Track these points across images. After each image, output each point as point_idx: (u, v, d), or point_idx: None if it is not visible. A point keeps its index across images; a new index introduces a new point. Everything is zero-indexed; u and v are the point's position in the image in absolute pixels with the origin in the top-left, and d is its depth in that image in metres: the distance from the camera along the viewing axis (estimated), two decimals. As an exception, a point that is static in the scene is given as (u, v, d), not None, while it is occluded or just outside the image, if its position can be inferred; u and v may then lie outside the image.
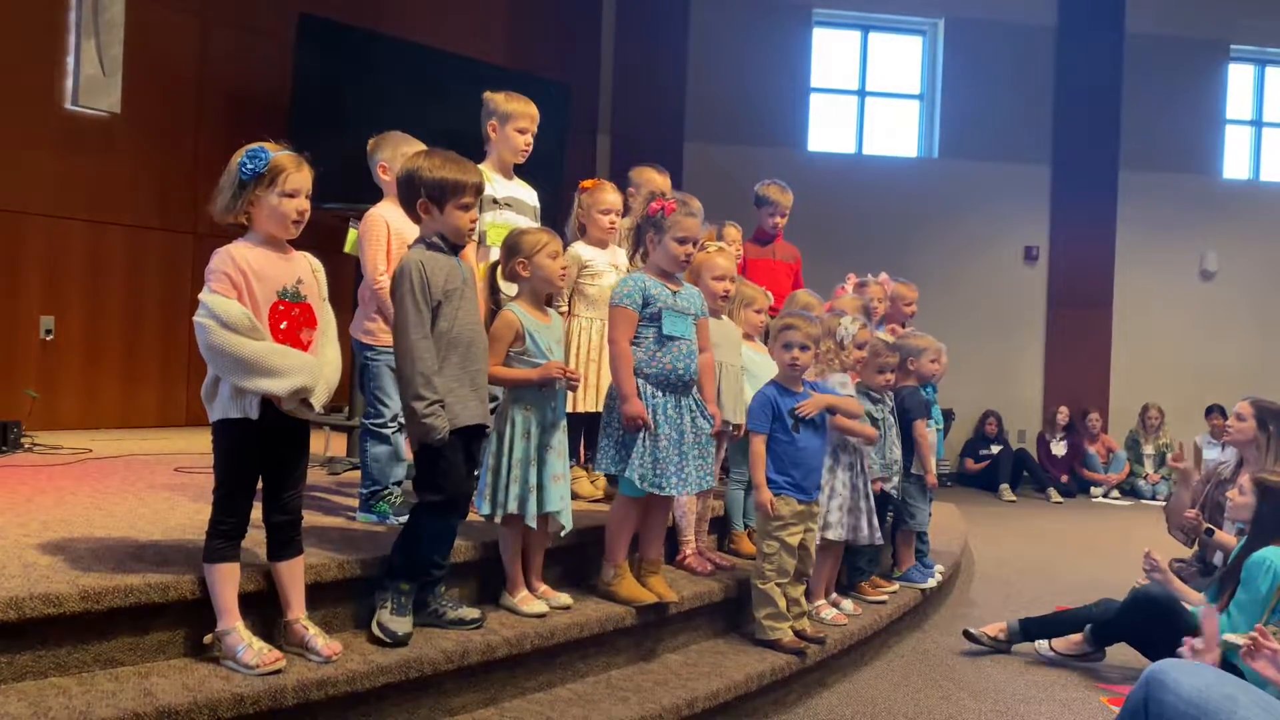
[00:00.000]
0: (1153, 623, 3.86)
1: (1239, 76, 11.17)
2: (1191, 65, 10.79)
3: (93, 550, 2.89)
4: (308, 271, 2.72)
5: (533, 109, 3.94)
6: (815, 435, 3.73)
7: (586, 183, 4.27)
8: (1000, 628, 4.30)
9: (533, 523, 3.19)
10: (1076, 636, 4.14)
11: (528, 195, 4.06)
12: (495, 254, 3.82)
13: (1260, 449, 4.26)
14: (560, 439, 3.28)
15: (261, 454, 2.66)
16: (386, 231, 3.53)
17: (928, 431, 4.70)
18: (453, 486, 2.96)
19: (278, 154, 2.62)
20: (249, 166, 2.57)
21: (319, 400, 2.65)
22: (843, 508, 4.03)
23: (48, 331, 6.34)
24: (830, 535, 4.00)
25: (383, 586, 2.94)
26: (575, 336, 4.07)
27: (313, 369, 2.63)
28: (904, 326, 5.33)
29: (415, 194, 2.94)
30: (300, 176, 2.64)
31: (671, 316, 3.40)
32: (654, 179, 4.40)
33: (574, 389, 3.38)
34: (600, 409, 3.65)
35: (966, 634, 4.35)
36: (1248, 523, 3.78)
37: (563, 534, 3.34)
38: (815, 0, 10.38)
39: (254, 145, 2.61)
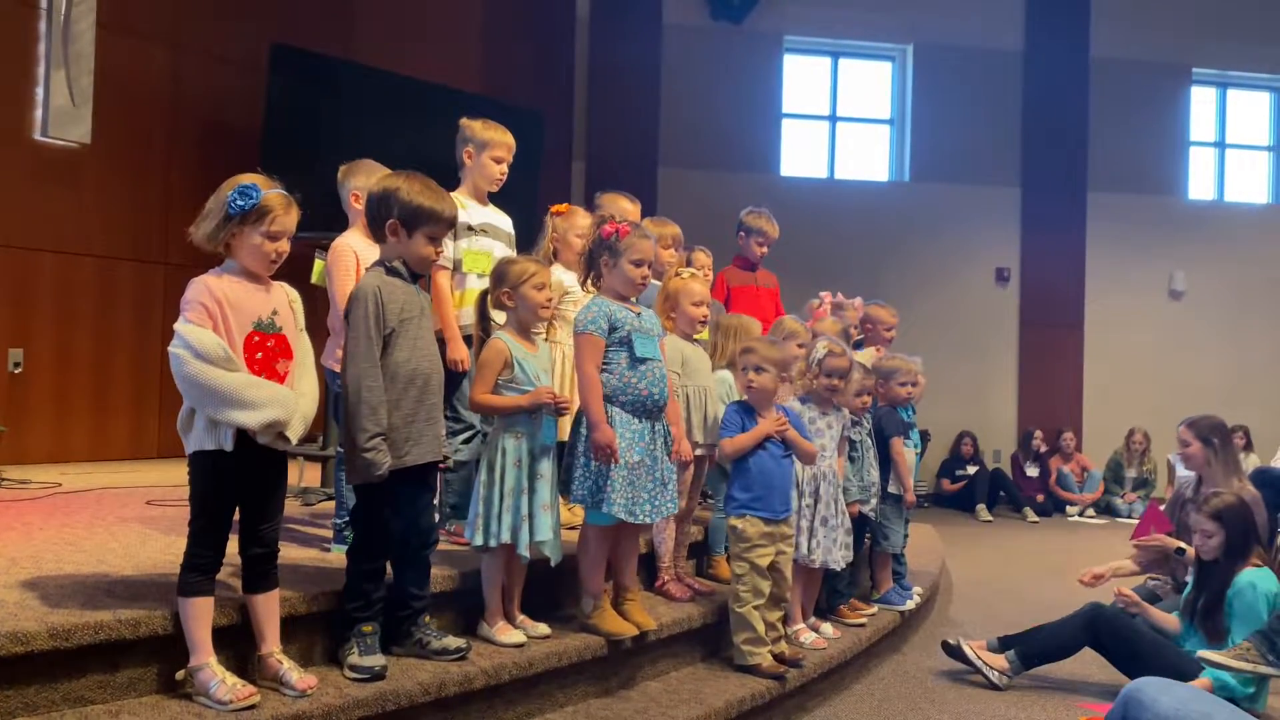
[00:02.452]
0: (1108, 639, 3.96)
1: (1202, 99, 11.38)
2: (1155, 89, 10.99)
3: (62, 586, 2.85)
4: (284, 303, 2.70)
5: (509, 138, 3.94)
6: (783, 454, 3.75)
7: (559, 207, 4.27)
8: (990, 653, 4.21)
9: (525, 552, 3.17)
10: (999, 657, 4.15)
11: (502, 221, 4.06)
12: (470, 280, 3.83)
13: (1212, 463, 4.39)
14: (550, 467, 3.27)
15: (238, 486, 2.63)
16: (355, 261, 3.51)
17: (905, 451, 4.72)
18: (392, 528, 2.92)
19: (269, 192, 2.59)
20: (239, 203, 2.55)
21: (295, 433, 2.62)
22: (815, 533, 4.03)
23: (16, 364, 6.26)
24: (805, 560, 4.00)
25: (344, 639, 2.89)
26: (558, 362, 4.06)
27: (287, 402, 2.60)
28: (878, 350, 5.34)
29: (387, 213, 2.91)
30: (287, 219, 2.62)
31: (641, 339, 3.38)
32: (625, 207, 4.39)
33: (563, 414, 3.36)
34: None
35: (952, 652, 4.22)
36: (1221, 552, 3.79)
37: (552, 564, 3.31)
38: (786, 27, 10.50)
39: (247, 180, 2.59)
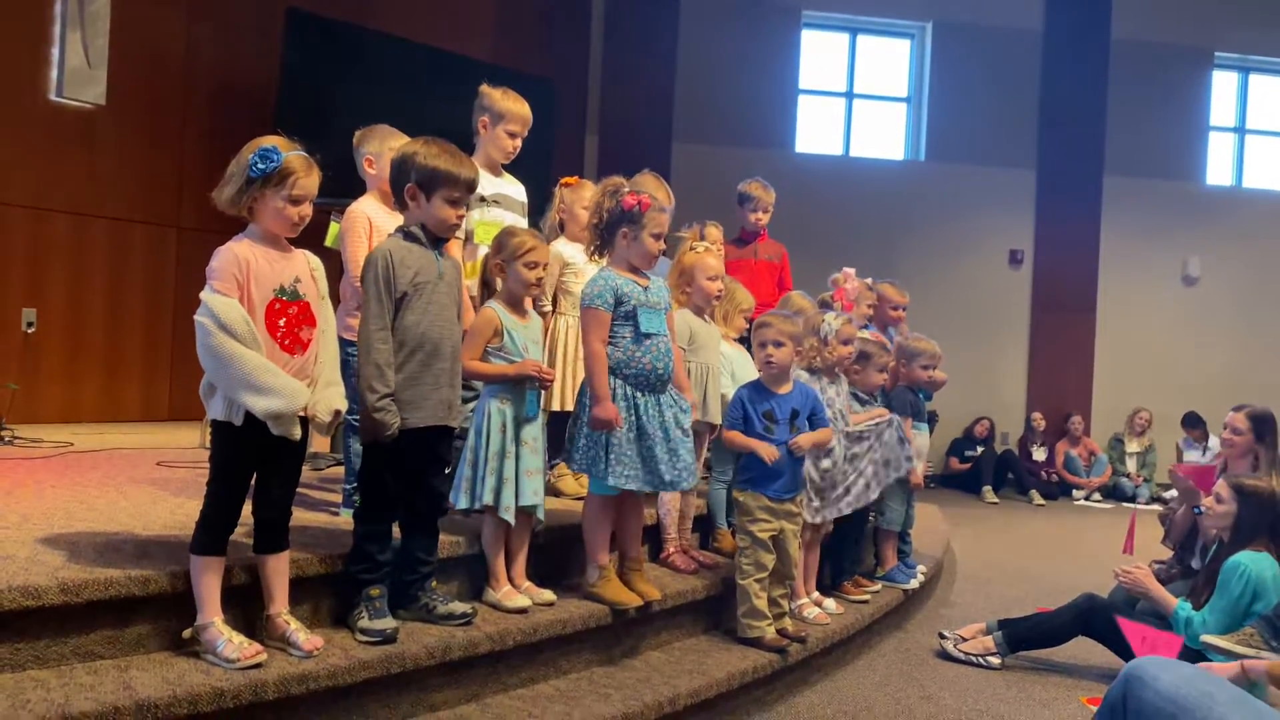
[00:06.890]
0: (1102, 628, 3.97)
1: (1223, 84, 11.25)
2: (1176, 72, 10.87)
3: (73, 543, 2.88)
4: (305, 270, 2.70)
5: (526, 111, 3.88)
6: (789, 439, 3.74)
7: (568, 179, 4.24)
8: (979, 635, 4.23)
9: (508, 515, 3.19)
10: (987, 639, 4.18)
11: (516, 191, 4.03)
12: (482, 251, 3.81)
13: (1257, 460, 4.23)
14: (535, 434, 3.29)
15: (257, 452, 2.64)
16: (368, 227, 3.52)
17: (913, 433, 4.71)
18: (392, 490, 2.94)
19: (289, 154, 2.58)
20: (260, 165, 2.55)
21: (314, 416, 2.65)
22: (817, 492, 4.05)
23: (29, 324, 6.30)
24: (806, 517, 4.00)
25: (353, 603, 2.92)
26: (562, 334, 4.06)
27: (297, 395, 2.58)
28: (885, 330, 5.29)
29: (405, 178, 2.92)
30: (309, 181, 2.61)
31: (647, 313, 3.37)
32: (657, 191, 4.34)
33: (547, 388, 3.39)
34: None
35: (941, 655, 4.24)
36: (1226, 529, 3.80)
37: (537, 528, 3.35)
38: (804, 2, 10.41)
39: (268, 143, 2.59)
